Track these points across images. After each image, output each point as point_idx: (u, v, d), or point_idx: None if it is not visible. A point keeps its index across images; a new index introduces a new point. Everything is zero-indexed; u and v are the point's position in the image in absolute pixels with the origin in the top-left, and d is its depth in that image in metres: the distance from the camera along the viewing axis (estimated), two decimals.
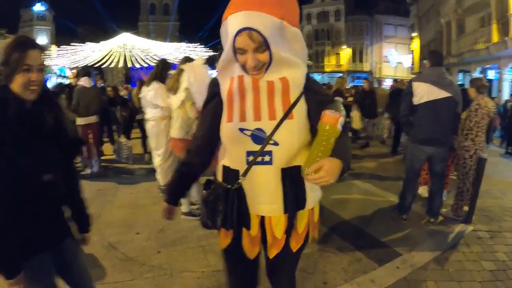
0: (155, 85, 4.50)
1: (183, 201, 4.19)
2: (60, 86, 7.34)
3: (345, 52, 43.65)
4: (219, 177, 1.57)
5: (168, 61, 4.98)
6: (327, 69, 44.43)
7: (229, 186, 1.48)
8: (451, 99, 3.88)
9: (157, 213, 4.39)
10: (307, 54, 1.47)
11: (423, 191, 5.21)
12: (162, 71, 4.60)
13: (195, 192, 4.30)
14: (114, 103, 8.65)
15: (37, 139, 1.46)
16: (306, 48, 1.45)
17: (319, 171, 1.28)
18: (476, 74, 18.84)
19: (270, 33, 1.27)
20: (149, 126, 4.73)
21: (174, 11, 47.67)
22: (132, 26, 38.56)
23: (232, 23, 1.31)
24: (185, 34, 46.45)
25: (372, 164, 7.47)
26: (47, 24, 44.16)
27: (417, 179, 4.45)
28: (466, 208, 4.36)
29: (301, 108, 1.42)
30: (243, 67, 1.38)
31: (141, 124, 7.28)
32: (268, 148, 1.40)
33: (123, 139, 7.54)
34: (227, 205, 1.49)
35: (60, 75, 36.43)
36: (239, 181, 1.46)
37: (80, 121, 6.30)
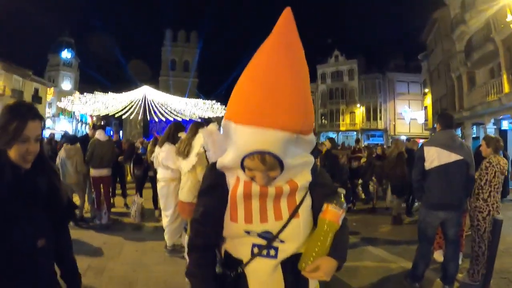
0: (167, 146, 4.64)
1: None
2: (75, 137, 7.49)
3: (359, 111, 44.28)
4: (221, 261, 1.51)
5: (179, 123, 5.16)
6: (342, 128, 44.96)
7: (229, 273, 1.44)
8: (463, 162, 3.83)
9: (159, 273, 4.36)
10: (314, 141, 1.42)
11: (437, 256, 5.01)
12: (174, 133, 4.74)
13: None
14: (128, 157, 8.77)
15: (32, 206, 1.49)
16: (315, 140, 1.42)
17: (316, 269, 1.31)
18: (490, 126, 18.66)
19: (284, 150, 1.22)
20: (159, 187, 4.81)
21: (193, 68, 49.79)
22: (153, 80, 40.23)
23: (241, 137, 1.23)
24: (203, 91, 48.13)
25: (384, 228, 7.27)
26: (72, 71, 46.34)
27: (430, 246, 4.29)
28: (483, 271, 4.14)
29: (307, 204, 1.42)
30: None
31: (153, 181, 7.35)
32: (274, 244, 1.38)
33: (136, 198, 7.52)
34: None
35: (81, 121, 37.56)
36: (241, 269, 1.41)
37: (93, 172, 6.46)
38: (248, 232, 1.38)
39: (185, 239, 4.32)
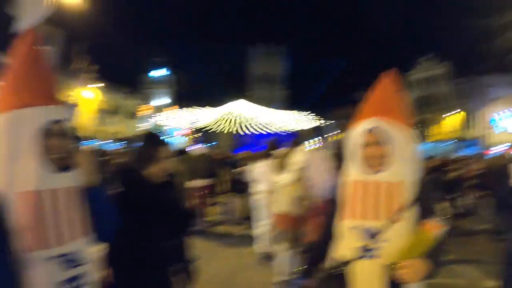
0: (264, 161, 4.93)
1: (277, 270, 4.41)
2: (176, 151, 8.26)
3: (453, 118, 40.17)
4: (330, 264, 1.73)
5: (275, 138, 5.45)
6: (435, 138, 41.25)
7: (334, 271, 1.66)
8: None
9: (252, 277, 4.67)
10: (420, 160, 1.72)
11: None
12: (270, 148, 5.05)
13: (291, 263, 4.40)
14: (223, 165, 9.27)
15: (162, 213, 1.91)
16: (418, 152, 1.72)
17: (408, 268, 1.43)
18: None
19: (388, 133, 1.62)
20: (256, 198, 5.12)
21: (281, 80, 50.62)
22: (242, 94, 41.90)
23: (359, 127, 1.70)
24: (293, 102, 48.45)
25: (480, 246, 6.63)
26: (167, 87, 49.32)
27: None
28: None
29: (412, 213, 1.59)
30: (366, 162, 1.65)
31: (247, 192, 7.67)
32: (377, 244, 1.56)
33: (228, 198, 8.03)
34: None
35: (171, 135, 40.49)
36: (343, 268, 1.63)
37: (191, 184, 7.04)
38: (356, 228, 1.61)
39: (277, 248, 4.53)
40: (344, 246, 1.67)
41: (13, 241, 1.17)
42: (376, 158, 1.63)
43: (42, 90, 1.29)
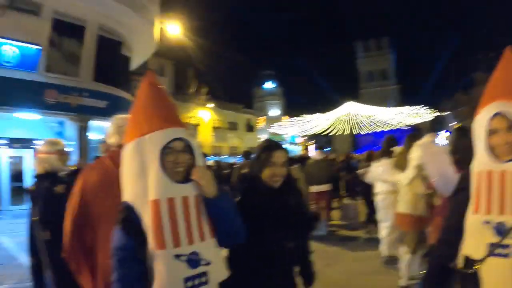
0: (384, 161, 4.81)
1: (402, 274, 4.21)
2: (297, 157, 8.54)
3: None
4: (460, 265, 1.61)
5: (392, 136, 5.25)
6: None
7: (466, 271, 1.54)
8: None
9: (375, 281, 4.51)
10: None
11: None
12: (389, 147, 4.89)
13: (415, 266, 4.18)
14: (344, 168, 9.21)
15: (281, 217, 1.99)
16: None
17: None
18: None
19: None
20: (378, 199, 5.01)
21: (392, 75, 48.11)
22: (353, 94, 40.89)
23: (486, 112, 1.53)
24: (406, 96, 45.67)
25: None
26: (277, 99, 51.26)
27: None
28: None
29: None
30: (494, 151, 1.50)
31: (367, 194, 7.54)
32: (507, 241, 1.42)
33: (348, 201, 7.98)
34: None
35: (291, 143, 41.45)
36: (475, 267, 1.50)
37: (312, 189, 7.18)
38: (486, 222, 1.46)
39: (401, 251, 4.35)
40: (474, 244, 1.52)
41: (146, 241, 1.44)
42: (506, 146, 1.46)
43: (162, 116, 1.56)
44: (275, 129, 24.44)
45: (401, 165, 4.12)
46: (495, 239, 1.44)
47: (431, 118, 20.23)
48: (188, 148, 1.56)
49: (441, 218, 2.25)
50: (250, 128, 43.51)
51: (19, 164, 12.81)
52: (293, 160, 7.94)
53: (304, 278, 2.25)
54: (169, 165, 1.50)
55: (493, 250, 1.43)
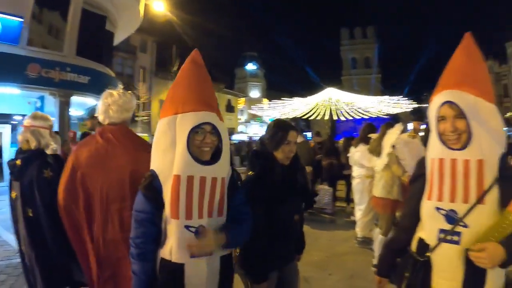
0: (361, 147, 5.10)
1: (376, 254, 4.48)
2: None
3: None
4: (413, 247, 1.71)
5: (371, 124, 5.52)
6: None
7: (419, 258, 1.63)
8: None
9: (350, 261, 4.82)
10: (504, 136, 1.54)
11: None
12: (367, 134, 5.17)
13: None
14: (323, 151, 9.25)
15: (292, 192, 2.23)
16: (503, 127, 1.54)
17: (482, 251, 1.38)
18: None
19: (466, 105, 1.48)
20: (354, 183, 5.32)
21: (375, 64, 48.57)
22: (336, 80, 41.10)
23: (436, 100, 1.58)
24: (388, 86, 46.23)
25: None
26: (258, 81, 50.82)
27: None
28: None
29: (494, 195, 1.47)
30: (442, 137, 1.55)
31: (347, 179, 7.75)
32: (458, 229, 1.50)
33: (324, 186, 8.22)
34: (413, 274, 1.65)
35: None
36: (427, 254, 1.59)
37: None
38: (438, 209, 1.56)
39: (375, 233, 4.66)
40: (428, 229, 1.62)
41: (163, 208, 1.63)
42: (451, 134, 1.52)
43: (198, 99, 1.68)
44: (255, 110, 24.45)
45: (376, 151, 4.40)
46: (446, 226, 1.53)
47: (411, 109, 20.65)
48: (216, 131, 1.70)
49: None
50: (231, 108, 43.40)
51: None
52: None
53: (297, 245, 2.49)
54: (197, 144, 1.65)
55: (445, 236, 1.53)
